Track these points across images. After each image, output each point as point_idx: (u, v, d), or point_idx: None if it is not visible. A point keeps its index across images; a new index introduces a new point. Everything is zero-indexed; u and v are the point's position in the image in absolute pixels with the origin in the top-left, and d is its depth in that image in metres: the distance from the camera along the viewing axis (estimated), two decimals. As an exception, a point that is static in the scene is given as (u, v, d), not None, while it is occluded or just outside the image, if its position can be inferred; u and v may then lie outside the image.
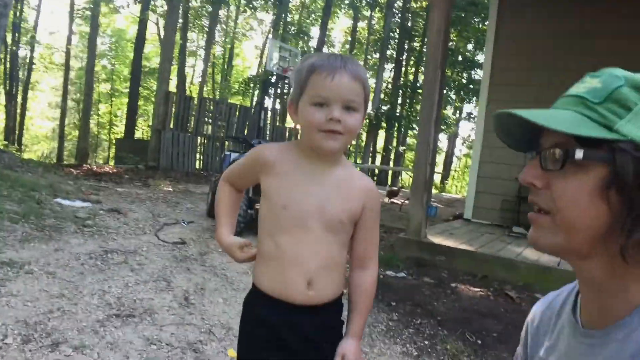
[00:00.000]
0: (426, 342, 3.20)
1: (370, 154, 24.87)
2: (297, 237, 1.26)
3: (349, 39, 30.10)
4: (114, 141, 23.78)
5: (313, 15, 29.42)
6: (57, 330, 2.63)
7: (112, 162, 18.71)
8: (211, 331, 2.94)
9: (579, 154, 0.67)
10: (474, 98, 21.29)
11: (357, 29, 29.50)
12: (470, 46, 24.92)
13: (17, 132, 24.62)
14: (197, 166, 12.94)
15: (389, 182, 17.09)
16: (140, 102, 27.87)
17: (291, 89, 1.35)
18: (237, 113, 13.95)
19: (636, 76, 0.69)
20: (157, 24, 25.61)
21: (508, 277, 4.60)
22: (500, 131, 0.81)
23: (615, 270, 0.69)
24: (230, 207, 1.44)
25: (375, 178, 16.09)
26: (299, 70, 1.27)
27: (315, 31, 27.72)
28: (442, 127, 26.37)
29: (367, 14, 27.57)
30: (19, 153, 16.87)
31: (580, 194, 0.68)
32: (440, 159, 32.49)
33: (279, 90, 22.18)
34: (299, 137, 1.36)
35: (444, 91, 23.80)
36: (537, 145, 0.76)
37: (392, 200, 11.61)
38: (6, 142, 21.26)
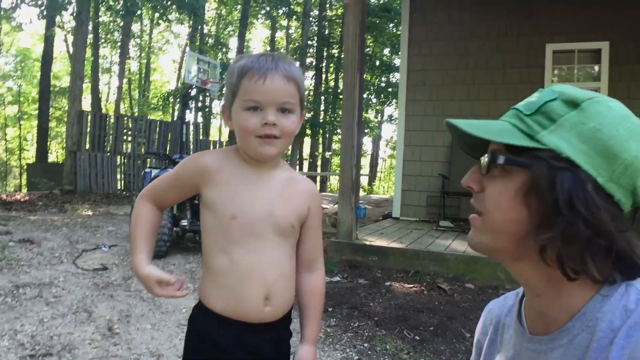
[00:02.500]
0: (365, 345, 3.18)
1: (298, 162, 24.91)
2: (251, 248, 1.19)
3: (268, 48, 30.08)
4: (25, 167, 22.19)
5: (230, 27, 29.13)
6: (-40, 381, 2.36)
7: (24, 189, 17.46)
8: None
9: (501, 159, 0.72)
10: (394, 100, 21.93)
11: (276, 38, 29.53)
12: (386, 51, 25.66)
13: None
14: (118, 187, 12.34)
15: (319, 189, 17.16)
16: (53, 124, 26.32)
17: (224, 94, 1.27)
18: (158, 129, 13.48)
19: (571, 91, 0.73)
20: (65, 40, 24.33)
21: (439, 271, 4.70)
22: (456, 141, 0.85)
23: (548, 274, 0.72)
24: (149, 229, 1.28)
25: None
26: (230, 74, 1.21)
27: (233, 42, 27.45)
28: (366, 131, 27.01)
29: (285, 23, 27.69)
30: None
31: (504, 198, 0.73)
32: (366, 161, 33.21)
33: (199, 104, 21.73)
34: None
35: (365, 95, 24.42)
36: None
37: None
38: None
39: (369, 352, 3.06)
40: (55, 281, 4.02)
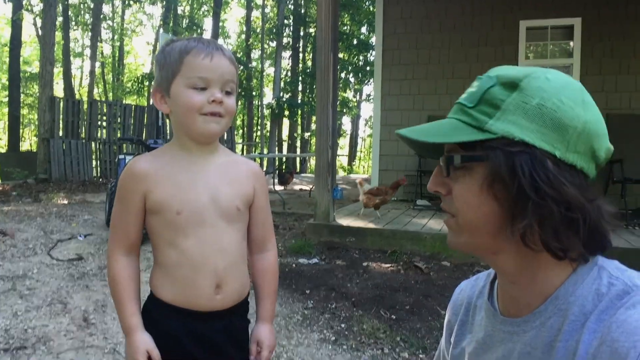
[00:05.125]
0: (343, 325, 3.21)
1: (277, 143, 24.80)
2: (199, 237, 1.19)
3: (244, 28, 29.64)
4: (-3, 156, 21.69)
5: (205, 7, 28.59)
6: None
7: (-3, 179, 17.09)
8: (116, 350, 2.75)
9: (457, 159, 0.72)
10: (372, 79, 21.90)
11: (252, 18, 29.10)
12: (364, 29, 25.51)
13: None
14: (94, 174, 12.14)
15: (298, 170, 17.12)
16: (25, 111, 25.70)
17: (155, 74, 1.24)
18: (133, 114, 13.24)
19: (508, 72, 0.73)
20: (34, 24, 23.62)
21: (416, 249, 4.76)
22: (415, 148, 0.84)
23: (524, 261, 0.72)
24: (132, 287, 1.22)
25: (284, 166, 16.05)
26: (167, 53, 1.19)
27: (208, 23, 26.96)
28: (345, 110, 26.95)
29: (260, 2, 27.27)
30: None
31: (470, 195, 0.72)
32: (345, 141, 33.23)
33: (176, 86, 21.35)
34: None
35: (343, 74, 24.33)
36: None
37: (285, 187, 11.61)
38: None
39: (346, 333, 3.10)
40: (29, 273, 3.97)
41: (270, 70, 28.97)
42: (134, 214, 1.21)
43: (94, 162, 12.21)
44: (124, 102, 19.97)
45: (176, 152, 1.23)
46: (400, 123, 7.48)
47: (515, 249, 0.72)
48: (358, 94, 31.29)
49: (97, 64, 26.44)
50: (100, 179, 11.98)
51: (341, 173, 24.26)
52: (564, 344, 0.67)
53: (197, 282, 1.20)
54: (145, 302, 1.27)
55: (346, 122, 32.78)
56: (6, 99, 22.82)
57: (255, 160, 21.52)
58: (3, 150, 21.14)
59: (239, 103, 27.33)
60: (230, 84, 1.19)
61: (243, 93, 23.68)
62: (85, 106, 12.53)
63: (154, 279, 1.25)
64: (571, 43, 7.04)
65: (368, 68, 22.59)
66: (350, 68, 23.72)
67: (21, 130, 23.40)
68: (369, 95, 30.35)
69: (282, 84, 24.11)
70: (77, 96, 23.52)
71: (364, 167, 31.76)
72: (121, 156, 6.36)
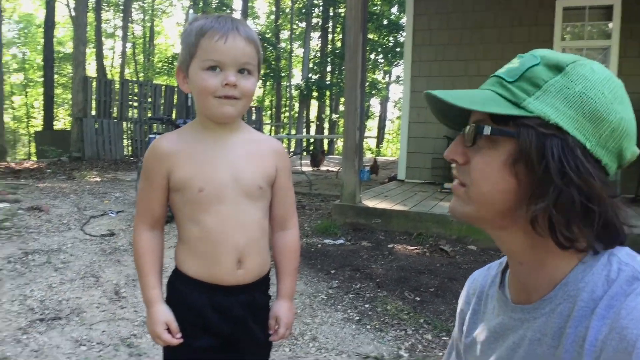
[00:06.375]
0: (366, 306, 3.24)
1: (305, 124, 24.81)
2: (221, 215, 1.21)
3: (273, 9, 29.51)
4: (33, 134, 22.28)
5: (234, -13, 28.52)
6: (-27, 344, 2.44)
7: (33, 157, 17.61)
8: (145, 323, 2.83)
9: (487, 130, 0.70)
10: (401, 60, 21.59)
11: (281, -2, 28.92)
12: (394, 9, 25.08)
13: None
14: (125, 153, 12.39)
15: (326, 151, 17.11)
16: (59, 91, 26.28)
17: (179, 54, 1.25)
18: (163, 94, 13.41)
19: (553, 55, 0.71)
20: (67, 5, 24.00)
21: (442, 233, 4.73)
22: (435, 113, 0.82)
23: (532, 243, 0.72)
24: (155, 260, 1.26)
25: (311, 148, 16.05)
26: (187, 34, 1.19)
27: (237, 3, 26.91)
28: (373, 92, 26.70)
29: (289, -18, 27.05)
30: None
31: (491, 169, 0.71)
32: (374, 123, 32.98)
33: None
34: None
35: (372, 56, 24.05)
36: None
37: (318, 167, 11.64)
38: None
39: (370, 313, 3.12)
40: (64, 247, 4.10)
41: (299, 51, 28.88)
42: (157, 192, 1.24)
43: (125, 141, 12.45)
44: (154, 82, 20.21)
45: (199, 130, 1.25)
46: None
47: (523, 229, 0.71)
48: (387, 75, 30.91)
49: (128, 45, 26.79)
50: (131, 158, 12.22)
51: (369, 155, 24.16)
52: (573, 330, 0.67)
53: (218, 257, 1.22)
54: (171, 276, 1.31)
55: (375, 104, 32.48)
56: (41, 79, 23.38)
57: (283, 141, 21.56)
58: (38, 129, 21.70)
59: (268, 84, 27.37)
60: (248, 65, 1.17)
61: (272, 74, 23.68)
62: (117, 86, 12.75)
63: (178, 253, 1.28)
64: (610, 24, 6.77)
65: (398, 49, 22.25)
66: (379, 49, 23.41)
67: (55, 110, 23.96)
68: (398, 77, 29.94)
69: (310, 65, 23.99)
70: (109, 76, 23.89)
71: (391, 149, 31.54)
72: (151, 135, 6.48)
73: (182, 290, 1.26)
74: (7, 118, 24.34)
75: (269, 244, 1.36)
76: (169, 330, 1.23)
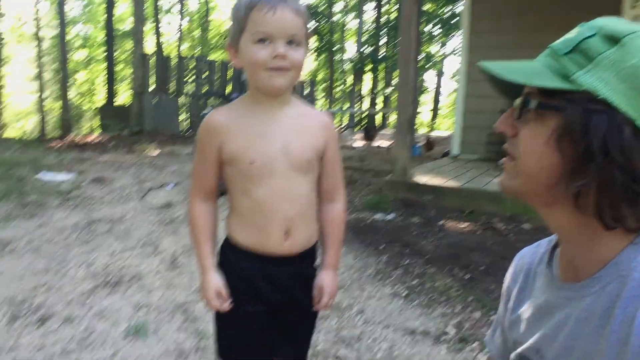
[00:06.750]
0: (415, 282, 3.23)
1: (357, 99, 24.58)
2: (270, 187, 1.24)
3: (327, -19, 29.09)
4: (96, 110, 23.29)
5: (287, -41, 28.26)
6: (44, 306, 2.63)
7: (96, 132, 18.44)
8: (199, 290, 2.95)
9: (533, 103, 0.70)
10: (458, 32, 20.86)
11: (334, -31, 28.45)
12: (451, -22, 24.15)
13: (-4, 110, 24.00)
14: (182, 127, 12.76)
15: (379, 126, 16.96)
16: (120, 67, 27.17)
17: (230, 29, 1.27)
18: (218, 69, 13.64)
19: (613, 26, 0.67)
20: (126, -18, 24.62)
21: (495, 210, 4.62)
22: (492, 85, 0.81)
23: (579, 221, 0.70)
24: (209, 231, 1.33)
25: (364, 122, 15.94)
26: (237, 8, 1.21)
27: (290, -24, 26.66)
28: (428, 65, 26.03)
29: (343, -48, 26.56)
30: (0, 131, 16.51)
31: (536, 143, 0.70)
32: (428, 97, 32.25)
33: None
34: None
35: (428, 27, 23.37)
36: None
37: (370, 142, 11.55)
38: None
39: (418, 289, 3.12)
40: (125, 217, 4.31)
41: (352, 24, 28.44)
42: (210, 164, 1.29)
43: (182, 116, 12.81)
44: (209, 58, 20.55)
45: (250, 104, 1.27)
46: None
47: (570, 207, 0.70)
48: (443, 47, 30.01)
49: (184, 21, 27.30)
50: (188, 132, 12.58)
51: (422, 130, 23.71)
52: (622, 310, 0.65)
53: (267, 228, 1.26)
54: (222, 245, 1.37)
55: (430, 77, 31.74)
56: (103, 56, 24.26)
57: (335, 115, 21.50)
58: (101, 105, 22.65)
59: (321, 57, 27.22)
60: (296, 37, 1.18)
61: (325, 47, 23.50)
62: (174, 62, 13.06)
63: (230, 223, 1.33)
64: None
65: (455, 20, 21.50)
66: (436, 20, 22.70)
67: (116, 86, 24.86)
68: (454, 50, 29.03)
69: (364, 38, 23.63)
70: (165, 52, 24.49)
71: (446, 124, 30.83)
72: (206, 110, 6.63)
73: (233, 259, 1.32)
74: (71, 94, 25.52)
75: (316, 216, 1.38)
76: (220, 296, 1.28)
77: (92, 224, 4.05)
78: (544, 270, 0.84)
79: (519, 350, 0.87)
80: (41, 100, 23.46)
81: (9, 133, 20.95)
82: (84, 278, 3.02)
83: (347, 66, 23.07)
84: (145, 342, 2.36)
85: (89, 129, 26.50)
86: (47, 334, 2.36)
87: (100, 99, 28.18)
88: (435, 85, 31.47)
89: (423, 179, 5.37)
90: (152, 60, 12.40)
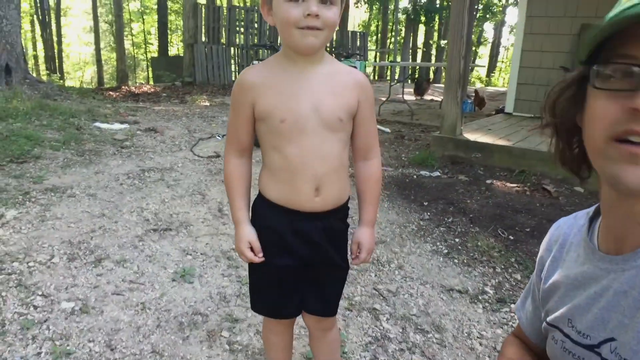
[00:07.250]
0: (457, 240, 3.22)
1: (411, 51, 23.85)
2: (301, 145, 1.25)
3: None
4: (150, 60, 23.73)
5: None
6: (99, 248, 2.80)
7: (150, 82, 18.86)
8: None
9: None
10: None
11: None
12: None
13: (56, 60, 24.90)
14: (233, 78, 12.85)
15: (431, 80, 16.47)
16: (172, 17, 27.40)
17: None
18: (268, 20, 13.51)
19: None
20: None
21: (546, 171, 4.47)
22: (596, 42, 0.67)
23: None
24: (243, 185, 1.37)
25: (416, 76, 15.51)
26: None
27: None
28: (487, 16, 24.80)
29: None
30: (61, 81, 17.18)
31: None
32: (486, 50, 30.89)
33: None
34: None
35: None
36: None
37: (421, 96, 11.26)
38: (48, 72, 21.58)
39: (459, 248, 3.10)
40: (175, 166, 4.46)
41: (407, -28, 27.26)
42: (244, 121, 1.31)
43: (233, 67, 12.87)
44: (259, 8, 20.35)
45: (282, 62, 1.27)
46: (547, 32, 6.74)
47: None
48: (504, -3, 28.40)
49: (237, -31, 26.92)
50: (238, 84, 12.65)
51: (477, 85, 22.87)
52: None
53: (297, 185, 1.28)
54: (255, 199, 1.40)
55: (488, 29, 30.26)
56: (156, 6, 24.48)
57: (387, 68, 20.96)
58: (154, 55, 23.04)
59: (374, 8, 26.41)
60: None
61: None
62: (225, 12, 13.02)
63: (262, 179, 1.36)
64: None
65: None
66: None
67: (169, 36, 25.16)
68: (516, -1, 27.41)
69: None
70: (217, 3, 24.40)
71: (503, 79, 29.57)
72: (255, 62, 6.62)
73: (265, 213, 1.36)
74: (126, 45, 26.04)
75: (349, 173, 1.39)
76: (252, 249, 1.33)
77: (145, 172, 4.21)
78: (582, 241, 0.83)
79: (549, 318, 0.86)
80: (98, 51, 24.11)
81: (69, 83, 21.76)
82: (137, 223, 3.18)
83: (401, 17, 22.30)
84: (191, 285, 2.49)
85: (144, 79, 27.14)
86: (101, 274, 2.52)
87: (154, 49, 28.63)
88: (493, 38, 30.08)
89: (473, 136, 5.23)
90: (204, 11, 12.41)
